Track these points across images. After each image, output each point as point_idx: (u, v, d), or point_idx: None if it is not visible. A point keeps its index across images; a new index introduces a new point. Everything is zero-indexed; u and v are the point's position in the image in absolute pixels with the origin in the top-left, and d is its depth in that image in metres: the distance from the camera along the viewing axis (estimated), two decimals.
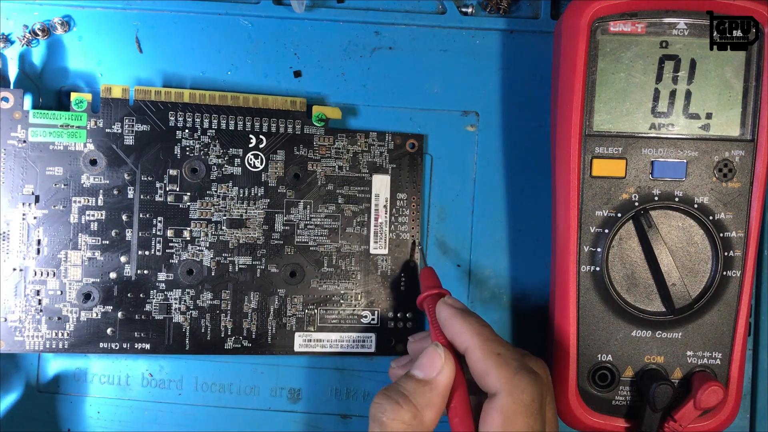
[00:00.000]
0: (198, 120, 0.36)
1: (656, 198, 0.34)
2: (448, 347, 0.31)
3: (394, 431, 0.29)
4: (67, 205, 0.36)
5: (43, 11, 0.37)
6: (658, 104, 0.34)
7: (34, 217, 0.36)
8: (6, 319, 0.36)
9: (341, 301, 0.38)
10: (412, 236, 0.38)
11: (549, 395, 0.30)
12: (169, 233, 0.37)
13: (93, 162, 0.36)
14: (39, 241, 0.36)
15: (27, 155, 0.36)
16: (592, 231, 0.34)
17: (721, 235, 0.34)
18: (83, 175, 0.36)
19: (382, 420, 0.29)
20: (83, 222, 0.36)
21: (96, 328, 0.36)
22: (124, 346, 0.36)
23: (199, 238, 0.37)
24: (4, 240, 0.36)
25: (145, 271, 0.36)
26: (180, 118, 0.36)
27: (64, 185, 0.36)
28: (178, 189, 0.37)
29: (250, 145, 0.37)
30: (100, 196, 0.36)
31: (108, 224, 0.36)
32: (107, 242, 0.36)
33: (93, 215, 0.36)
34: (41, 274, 0.36)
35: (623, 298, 0.34)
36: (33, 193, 0.36)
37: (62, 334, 0.36)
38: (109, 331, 0.36)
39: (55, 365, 0.38)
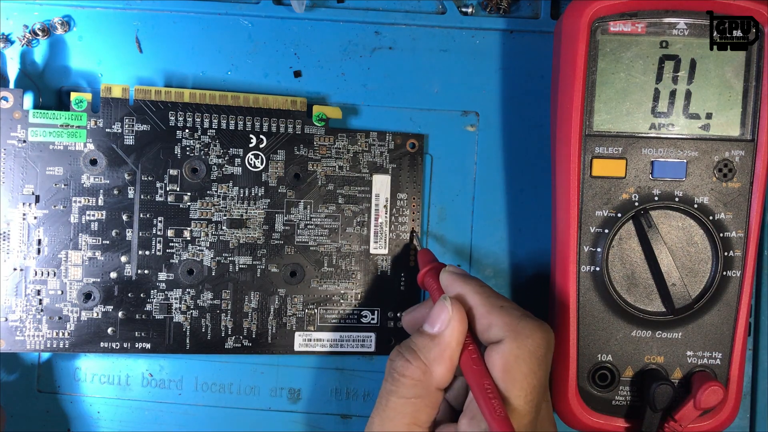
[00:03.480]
0: (198, 120, 0.37)
1: (656, 198, 0.34)
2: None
3: (405, 387, 0.29)
4: (67, 205, 0.36)
5: (43, 11, 0.37)
6: (658, 104, 0.34)
7: (35, 217, 0.36)
8: (6, 319, 0.36)
9: (341, 301, 0.38)
10: (413, 229, 0.38)
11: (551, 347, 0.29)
12: (170, 233, 0.37)
13: (93, 162, 0.36)
14: (39, 241, 0.36)
15: (27, 155, 0.36)
16: (592, 231, 0.34)
17: (721, 235, 0.34)
18: (83, 175, 0.36)
19: (394, 376, 0.29)
20: (83, 222, 0.36)
21: (96, 328, 0.36)
22: (125, 345, 0.36)
23: (200, 238, 0.37)
24: (4, 240, 0.36)
25: (146, 271, 0.36)
26: (180, 118, 0.36)
27: (65, 185, 0.36)
28: (178, 189, 0.37)
29: (251, 145, 0.37)
30: (101, 196, 0.36)
31: (108, 224, 0.36)
32: (108, 242, 0.36)
33: (93, 215, 0.36)
34: (42, 274, 0.36)
35: (623, 298, 0.34)
36: (33, 193, 0.36)
37: (63, 334, 0.36)
38: (109, 330, 0.36)
39: (55, 365, 0.38)
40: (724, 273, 0.34)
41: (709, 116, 0.34)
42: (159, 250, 0.36)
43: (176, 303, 0.37)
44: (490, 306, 0.29)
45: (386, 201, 0.38)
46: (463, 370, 0.29)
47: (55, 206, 0.36)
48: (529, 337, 0.27)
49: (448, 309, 0.29)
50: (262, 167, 0.37)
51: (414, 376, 0.29)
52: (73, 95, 0.36)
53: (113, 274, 0.36)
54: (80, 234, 0.36)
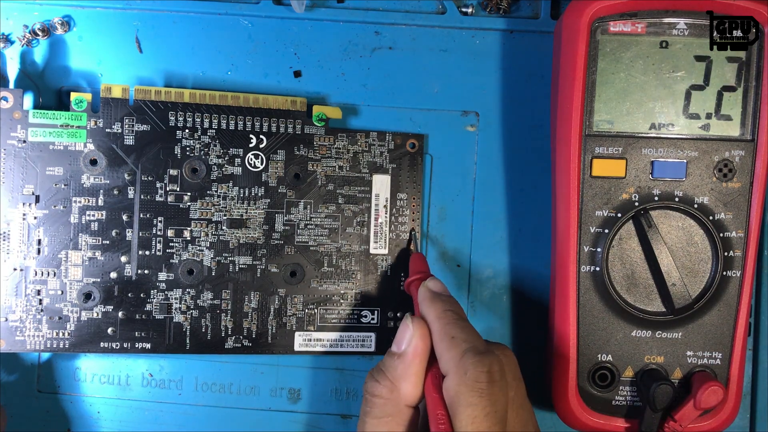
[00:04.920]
0: (198, 120, 0.37)
1: (656, 198, 0.34)
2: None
3: (377, 407, 0.30)
4: (67, 205, 0.36)
5: (43, 11, 0.37)
6: (658, 104, 0.34)
7: (35, 217, 0.36)
8: (7, 319, 0.36)
9: (341, 301, 0.38)
10: (413, 228, 0.38)
11: (509, 376, 0.30)
12: (170, 233, 0.37)
13: (93, 162, 0.36)
14: (39, 241, 0.36)
15: (27, 155, 0.36)
16: (592, 231, 0.34)
17: (721, 235, 0.34)
18: (83, 175, 0.36)
19: (367, 398, 0.31)
20: (84, 222, 0.36)
21: (96, 328, 0.36)
22: (125, 345, 0.36)
23: (200, 238, 0.37)
24: (4, 240, 0.36)
25: (146, 271, 0.36)
26: (180, 118, 0.36)
27: (65, 185, 0.36)
28: (178, 189, 0.37)
29: (251, 145, 0.37)
30: (101, 196, 0.36)
31: (108, 224, 0.36)
32: (108, 242, 0.36)
33: (93, 215, 0.36)
34: (42, 274, 0.36)
35: (623, 298, 0.34)
36: (33, 193, 0.36)
37: (63, 334, 0.36)
38: (109, 330, 0.36)
39: (55, 365, 0.38)
40: (724, 273, 0.34)
41: (709, 116, 0.34)
42: (159, 250, 0.36)
43: (176, 303, 0.37)
44: (443, 335, 0.30)
45: (386, 201, 0.38)
46: (425, 396, 0.30)
47: (55, 206, 0.36)
48: (467, 372, 0.28)
49: (410, 328, 0.31)
50: (262, 167, 0.37)
51: (383, 395, 0.30)
52: (73, 95, 0.36)
53: (113, 274, 0.36)
54: (80, 234, 0.36)
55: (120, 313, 0.36)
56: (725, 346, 0.34)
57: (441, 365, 0.29)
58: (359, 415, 0.31)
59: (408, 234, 0.38)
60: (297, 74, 0.38)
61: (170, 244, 0.37)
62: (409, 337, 0.30)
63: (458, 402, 0.28)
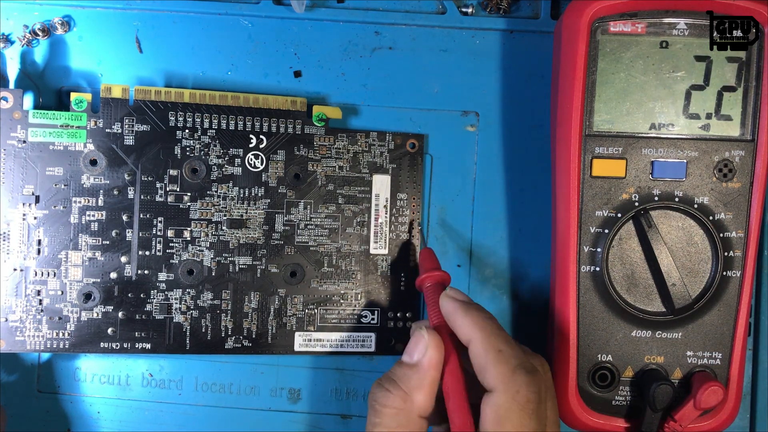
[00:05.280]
0: (198, 120, 0.36)
1: (656, 198, 0.34)
2: (442, 329, 0.31)
3: (387, 418, 0.29)
4: (67, 206, 0.36)
5: (43, 11, 0.37)
6: (658, 104, 0.34)
7: (35, 218, 0.36)
8: (7, 319, 0.36)
9: (341, 301, 0.38)
10: (412, 217, 0.38)
11: (549, 395, 0.30)
12: (170, 233, 0.37)
13: (93, 162, 0.36)
14: (39, 242, 0.36)
15: (27, 155, 0.36)
16: (592, 231, 0.34)
17: (721, 235, 0.34)
18: (83, 175, 0.36)
19: (376, 408, 0.30)
20: (83, 222, 0.36)
21: (96, 328, 0.36)
22: (125, 345, 0.36)
23: (200, 238, 0.37)
24: (4, 240, 0.36)
25: (146, 271, 0.36)
26: (180, 118, 0.36)
27: (65, 185, 0.36)
28: (178, 189, 0.37)
29: (251, 145, 0.37)
30: (101, 197, 0.36)
31: (108, 224, 0.36)
32: (108, 242, 0.36)
33: (93, 215, 0.36)
34: (42, 275, 0.36)
35: (623, 298, 0.34)
36: (33, 194, 0.36)
37: (63, 334, 0.36)
38: (109, 331, 0.36)
39: (55, 365, 0.38)
40: (724, 273, 0.34)
41: (709, 116, 0.34)
42: (159, 251, 0.36)
43: (176, 303, 0.37)
44: (488, 347, 0.29)
45: (386, 201, 0.38)
46: (444, 398, 0.30)
47: (55, 206, 0.36)
48: (519, 391, 0.28)
49: (425, 338, 0.30)
50: (262, 167, 0.37)
51: (395, 405, 0.29)
52: (73, 95, 0.36)
53: (113, 275, 0.36)
54: (80, 234, 0.36)
55: (120, 314, 0.36)
56: (725, 346, 0.34)
57: (484, 379, 0.29)
58: (366, 426, 0.30)
59: (410, 226, 0.38)
60: (297, 74, 0.38)
61: (170, 244, 0.37)
62: (423, 348, 0.30)
63: (508, 420, 0.27)
